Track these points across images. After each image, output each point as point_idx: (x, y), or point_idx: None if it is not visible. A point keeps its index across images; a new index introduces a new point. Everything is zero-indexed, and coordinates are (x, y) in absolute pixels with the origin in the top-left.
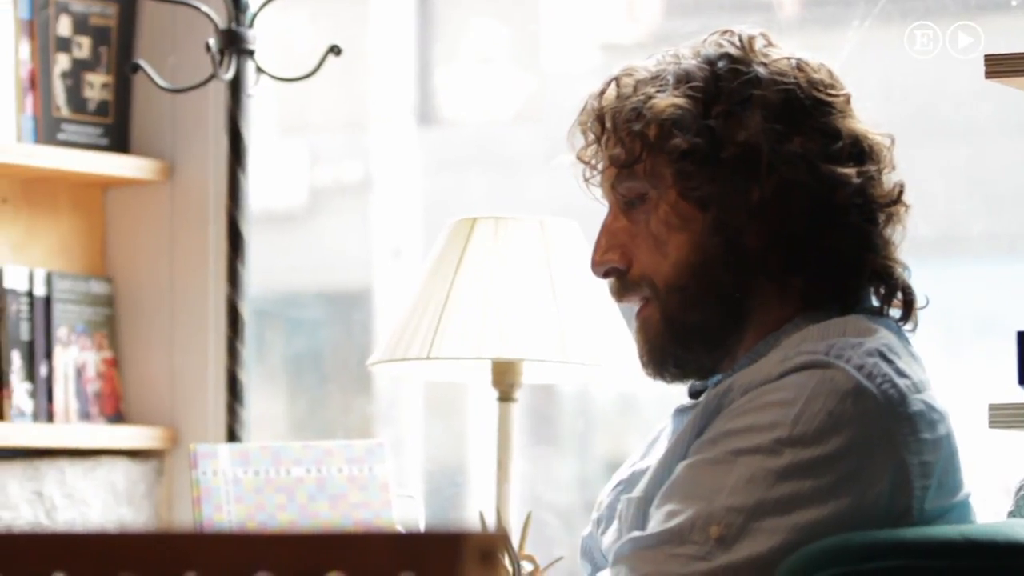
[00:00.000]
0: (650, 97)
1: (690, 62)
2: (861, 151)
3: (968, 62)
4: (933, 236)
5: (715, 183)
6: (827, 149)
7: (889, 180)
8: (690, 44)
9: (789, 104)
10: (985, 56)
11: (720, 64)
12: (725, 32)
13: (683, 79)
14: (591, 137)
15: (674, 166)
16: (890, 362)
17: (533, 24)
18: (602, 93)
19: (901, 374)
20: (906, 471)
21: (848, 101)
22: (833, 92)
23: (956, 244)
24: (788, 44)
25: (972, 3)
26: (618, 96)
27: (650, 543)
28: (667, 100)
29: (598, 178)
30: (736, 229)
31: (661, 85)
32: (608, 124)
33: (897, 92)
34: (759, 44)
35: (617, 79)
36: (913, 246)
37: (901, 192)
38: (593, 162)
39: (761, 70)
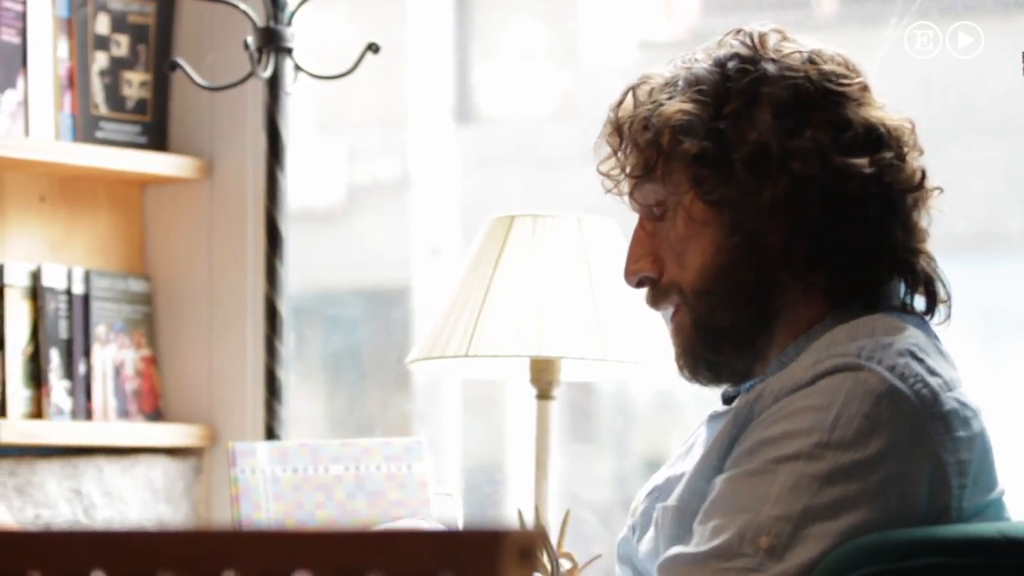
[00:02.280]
0: (660, 104)
1: (701, 65)
2: (877, 138)
3: (1008, 59)
4: (972, 233)
5: (728, 185)
6: (838, 140)
7: (911, 165)
8: (705, 47)
9: (798, 98)
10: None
11: (730, 64)
12: (739, 32)
13: (692, 83)
14: (613, 149)
15: (688, 171)
16: (921, 361)
17: (571, 21)
18: (620, 104)
19: (932, 373)
20: (943, 470)
21: (864, 89)
22: (846, 82)
23: (995, 241)
24: (826, 41)
25: (1011, 2)
26: (634, 105)
27: (698, 559)
28: (675, 106)
29: (623, 186)
30: (753, 229)
31: (672, 91)
32: (625, 134)
33: (935, 89)
34: (772, 41)
35: (634, 88)
36: (952, 243)
37: (923, 177)
38: (614, 172)
39: (770, 67)
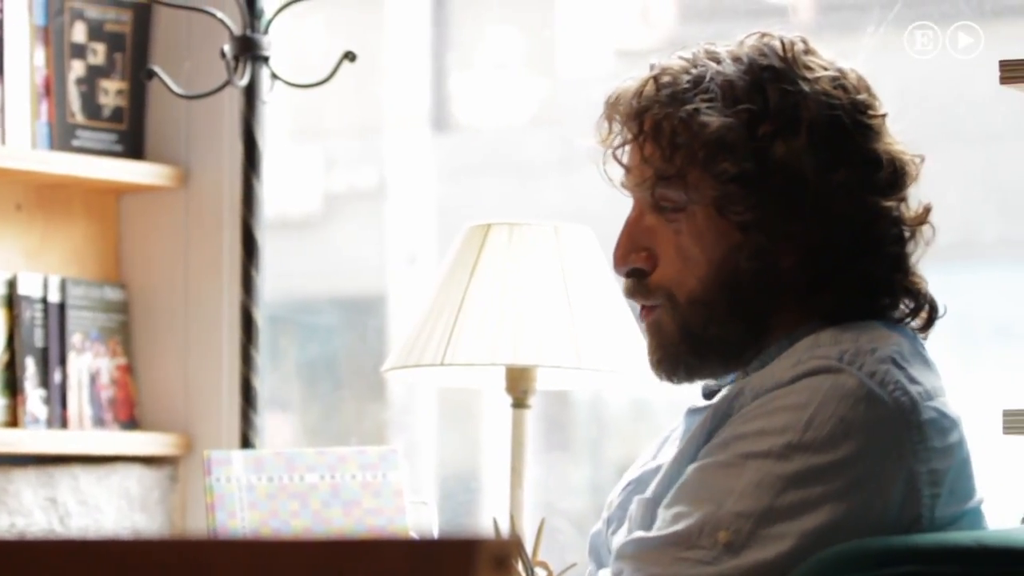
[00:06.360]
0: (697, 111)
1: (731, 69)
2: (900, 177)
3: (984, 66)
4: (948, 242)
5: (757, 209)
6: (869, 179)
7: (918, 199)
8: (727, 46)
9: (834, 129)
10: (1000, 62)
11: (765, 76)
12: (764, 35)
13: (728, 92)
14: (626, 135)
15: (718, 188)
16: (902, 369)
17: (548, 29)
18: (640, 92)
19: (913, 381)
20: (915, 480)
21: (885, 118)
22: (873, 113)
23: (971, 249)
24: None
25: (984, 6)
26: (659, 101)
27: (656, 544)
28: (717, 120)
29: (614, 166)
30: (772, 253)
31: (707, 99)
32: (647, 127)
33: (912, 97)
34: (799, 51)
35: (656, 79)
36: (928, 251)
37: (928, 212)
38: (619, 154)
39: (806, 87)
